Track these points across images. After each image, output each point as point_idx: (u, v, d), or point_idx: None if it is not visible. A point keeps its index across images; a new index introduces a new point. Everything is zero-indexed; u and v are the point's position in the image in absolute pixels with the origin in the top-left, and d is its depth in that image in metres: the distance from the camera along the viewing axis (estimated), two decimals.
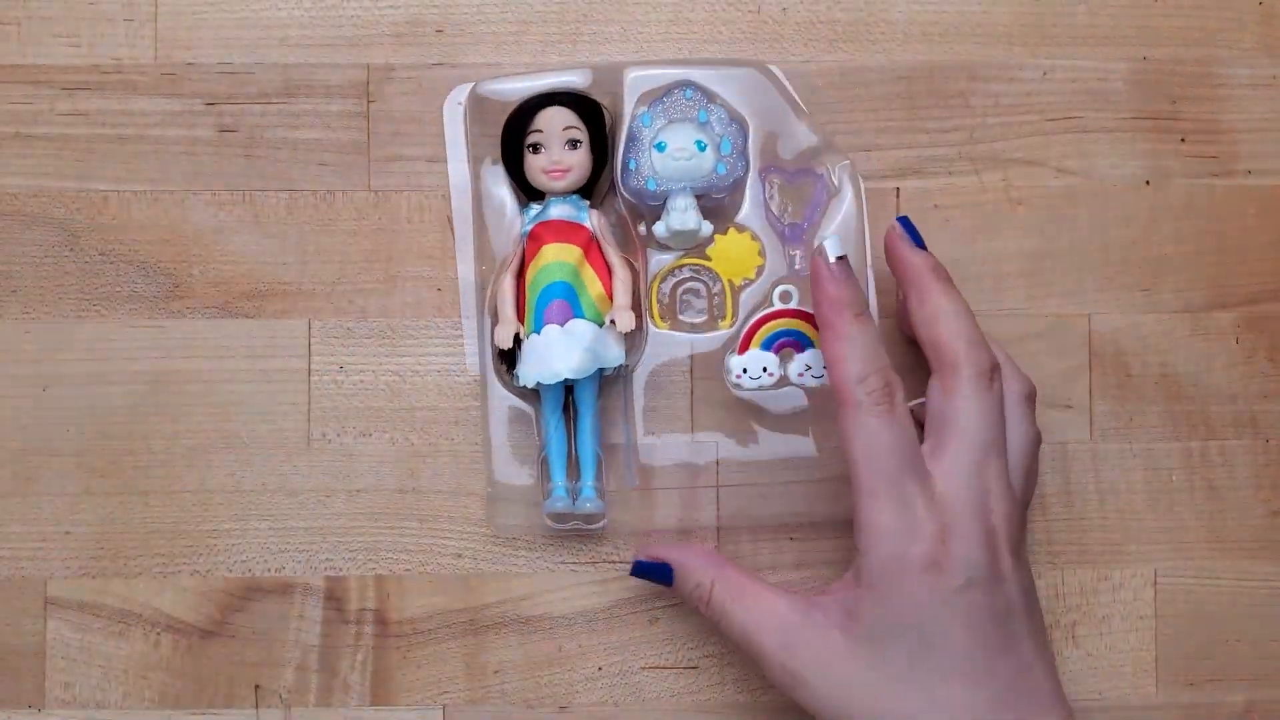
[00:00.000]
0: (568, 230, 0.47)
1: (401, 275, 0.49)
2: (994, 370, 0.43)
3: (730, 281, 0.48)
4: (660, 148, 0.46)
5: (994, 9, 0.50)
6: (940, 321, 0.43)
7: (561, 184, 0.46)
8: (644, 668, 0.49)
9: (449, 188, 0.49)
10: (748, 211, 0.48)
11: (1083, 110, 0.50)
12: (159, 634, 0.49)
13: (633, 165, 0.46)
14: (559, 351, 0.46)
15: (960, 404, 0.42)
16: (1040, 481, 0.50)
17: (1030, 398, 0.45)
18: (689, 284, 0.48)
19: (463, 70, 0.49)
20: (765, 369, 0.46)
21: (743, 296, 0.48)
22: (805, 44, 0.50)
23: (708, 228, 0.47)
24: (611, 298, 0.47)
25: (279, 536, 0.49)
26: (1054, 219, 0.50)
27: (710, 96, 0.47)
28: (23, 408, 0.49)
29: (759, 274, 0.47)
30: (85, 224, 0.49)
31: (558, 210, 0.47)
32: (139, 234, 0.49)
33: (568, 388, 0.47)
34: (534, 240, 0.47)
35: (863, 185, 0.48)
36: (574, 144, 0.46)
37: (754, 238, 0.47)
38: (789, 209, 0.48)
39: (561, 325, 0.46)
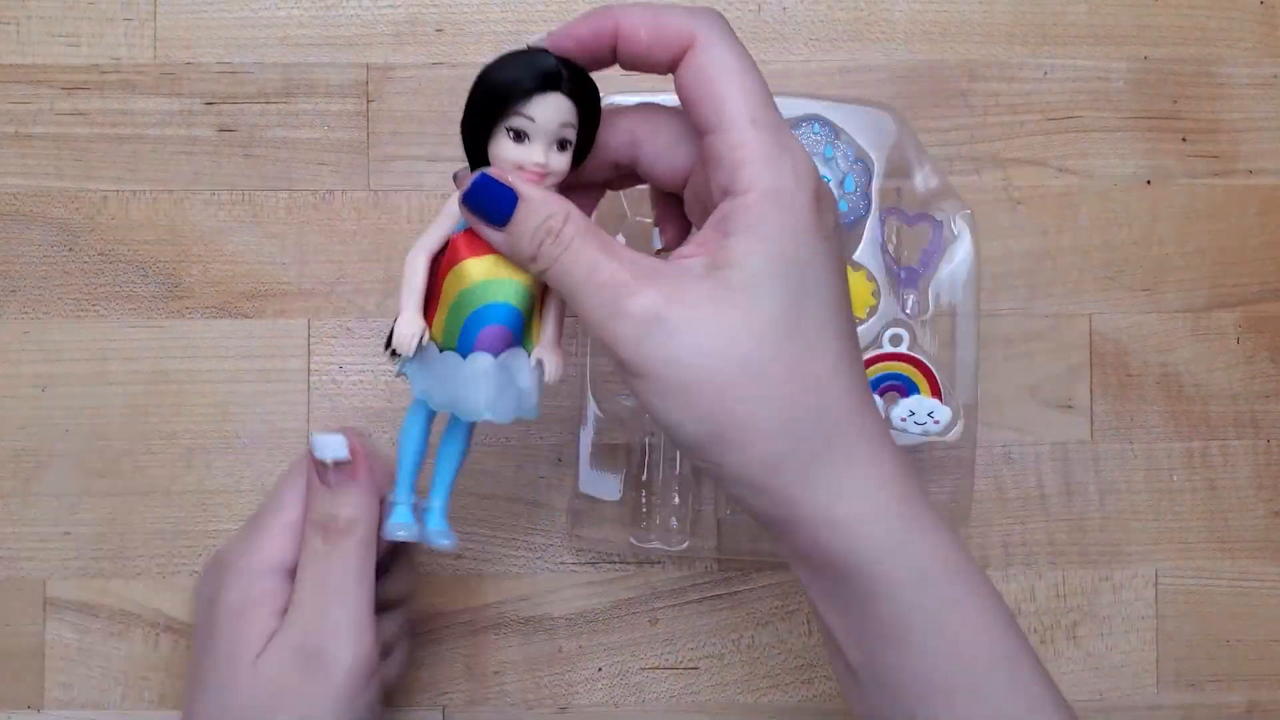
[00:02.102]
0: None
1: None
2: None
3: None
4: None
5: (994, 9, 0.50)
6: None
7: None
8: (644, 668, 0.49)
9: None
10: (865, 251, 0.46)
11: (1083, 110, 0.50)
12: (159, 634, 0.48)
13: None
14: (486, 389, 0.37)
15: (727, 57, 0.37)
16: (1040, 482, 0.50)
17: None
18: None
19: (462, 70, 0.49)
20: None
21: None
22: (806, 43, 0.50)
23: None
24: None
25: None
26: (1054, 219, 0.50)
27: (837, 132, 0.46)
28: (23, 408, 0.49)
29: (870, 315, 0.46)
30: (85, 224, 0.49)
31: None
32: (139, 234, 0.49)
33: None
34: (473, 241, 0.37)
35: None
36: (564, 144, 0.37)
37: (869, 278, 0.46)
38: (905, 253, 0.47)
39: (496, 356, 0.37)
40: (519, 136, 0.37)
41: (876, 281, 0.46)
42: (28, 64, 0.49)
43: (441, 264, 0.38)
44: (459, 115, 0.48)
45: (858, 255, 0.46)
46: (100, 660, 0.48)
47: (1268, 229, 0.50)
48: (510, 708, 0.49)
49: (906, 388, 0.45)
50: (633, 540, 0.47)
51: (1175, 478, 0.50)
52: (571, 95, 0.37)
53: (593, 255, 0.35)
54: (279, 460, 0.49)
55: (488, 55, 0.49)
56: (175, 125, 0.49)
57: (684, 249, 0.36)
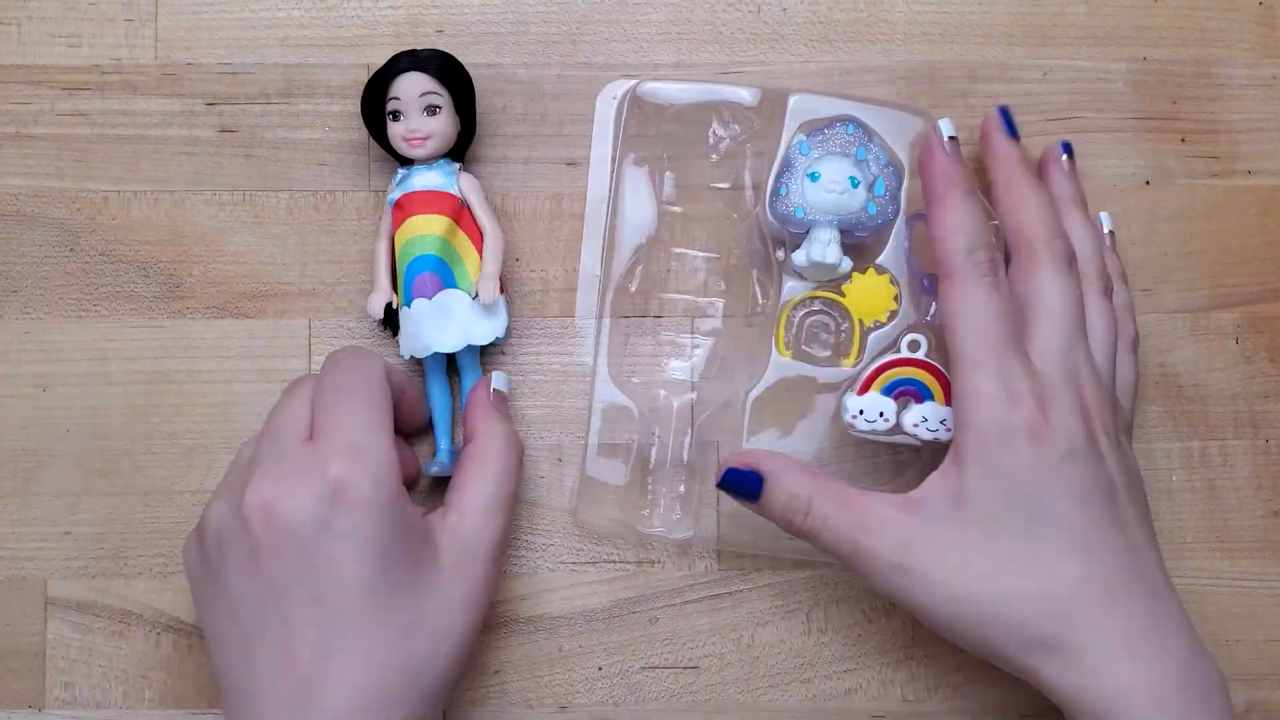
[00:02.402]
0: (434, 200, 0.46)
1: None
2: (1073, 256, 0.44)
3: (860, 321, 0.46)
4: (813, 177, 0.45)
5: (994, 9, 0.50)
6: (1024, 208, 0.44)
7: (423, 151, 0.46)
8: (644, 668, 0.49)
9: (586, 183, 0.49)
10: (889, 255, 0.47)
11: (1083, 110, 0.50)
12: (159, 634, 0.49)
13: (783, 190, 0.46)
14: (429, 326, 0.46)
15: (1044, 286, 0.43)
16: None
17: (1133, 341, 0.47)
18: (818, 317, 0.47)
19: None
20: (882, 414, 0.45)
21: (871, 338, 0.46)
22: (805, 44, 0.50)
23: (847, 264, 0.46)
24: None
25: None
26: None
27: (870, 134, 0.46)
28: (23, 408, 0.49)
29: (890, 319, 0.46)
30: (85, 224, 0.49)
31: (422, 179, 0.47)
32: (139, 234, 0.49)
33: (450, 353, 0.48)
34: (399, 210, 0.47)
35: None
36: (433, 110, 0.46)
37: (892, 282, 0.46)
38: (929, 260, 0.46)
39: (430, 299, 0.46)
40: (395, 116, 0.46)
41: (899, 286, 0.46)
42: (28, 64, 0.49)
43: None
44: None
45: (882, 259, 0.47)
46: (101, 660, 0.48)
47: (1267, 229, 0.50)
48: (510, 707, 0.49)
49: (921, 394, 0.45)
50: (636, 527, 0.47)
51: (1174, 478, 0.50)
52: (423, 69, 0.46)
53: (849, 530, 0.42)
54: None
55: (488, 55, 0.49)
56: (176, 126, 0.49)
57: (928, 483, 0.42)
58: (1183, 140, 0.50)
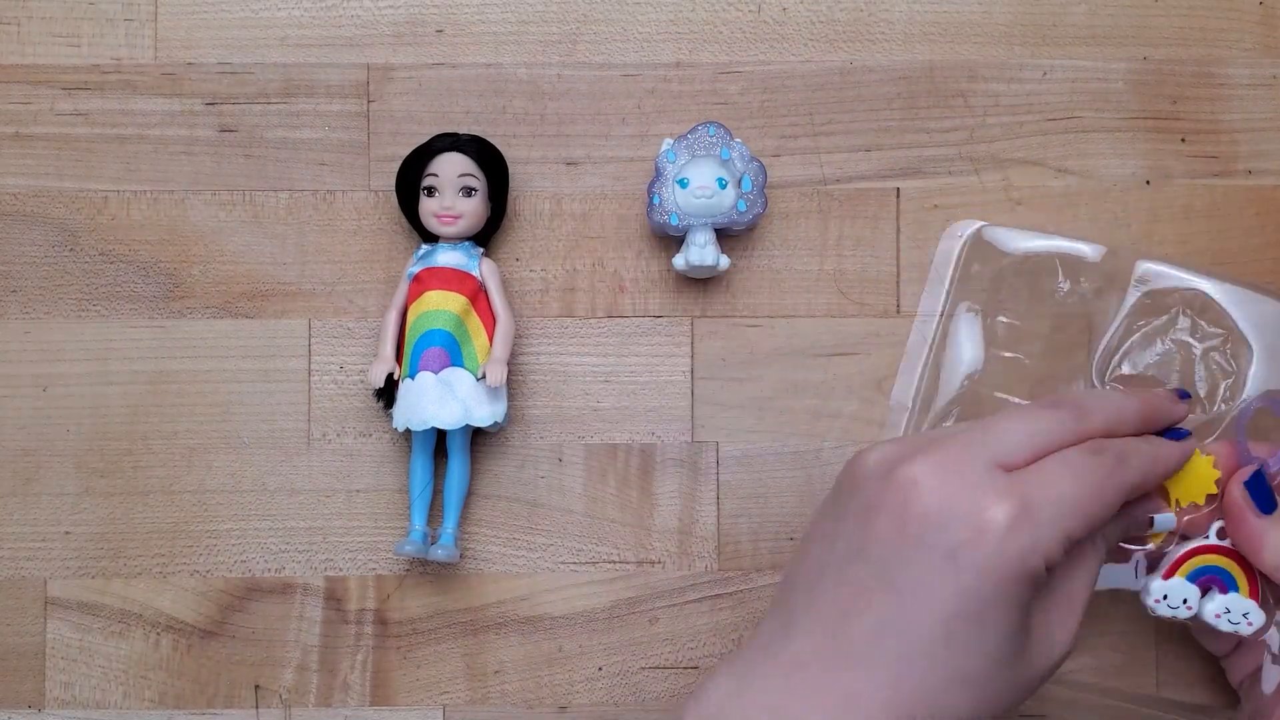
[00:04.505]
0: (454, 278, 0.47)
1: (401, 275, 0.49)
2: None
3: (1177, 501, 0.44)
4: (683, 184, 0.47)
5: (994, 9, 0.50)
6: None
7: (452, 230, 0.47)
8: (644, 668, 0.49)
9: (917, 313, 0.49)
10: (1220, 438, 0.45)
11: (1083, 110, 0.50)
12: (159, 634, 0.49)
13: (656, 200, 0.47)
14: (430, 400, 0.46)
15: None
16: None
17: None
18: None
19: (463, 71, 0.49)
20: (1185, 601, 0.43)
21: (1183, 519, 0.44)
22: (805, 44, 0.50)
23: (725, 261, 0.47)
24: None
25: (279, 536, 0.49)
26: (1054, 219, 0.50)
27: (731, 133, 0.47)
28: (23, 408, 0.49)
29: (1208, 503, 0.44)
30: (85, 224, 0.49)
31: (445, 257, 0.47)
32: (139, 234, 0.49)
33: (441, 432, 0.48)
34: (417, 284, 0.47)
35: (864, 186, 0.48)
36: (469, 191, 0.47)
37: (1216, 465, 0.44)
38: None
39: (436, 374, 0.46)
40: (430, 191, 0.47)
41: (1221, 472, 0.44)
42: (28, 64, 0.49)
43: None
44: (460, 115, 0.50)
45: (1211, 440, 0.44)
46: (101, 660, 0.48)
47: (1267, 229, 0.50)
48: (510, 707, 0.49)
49: (1226, 583, 0.43)
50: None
51: None
52: (465, 151, 0.47)
53: None
54: (279, 460, 0.49)
55: (488, 55, 0.49)
56: (176, 125, 0.49)
57: None
58: (1183, 140, 0.50)
